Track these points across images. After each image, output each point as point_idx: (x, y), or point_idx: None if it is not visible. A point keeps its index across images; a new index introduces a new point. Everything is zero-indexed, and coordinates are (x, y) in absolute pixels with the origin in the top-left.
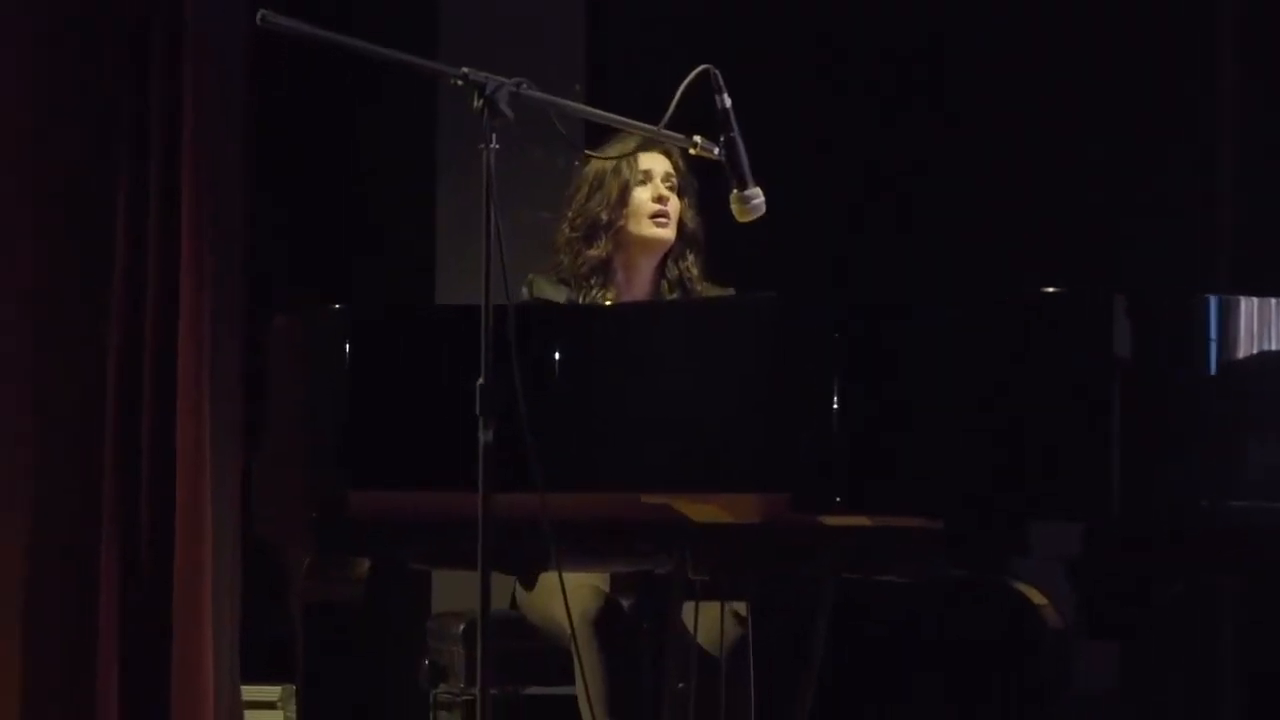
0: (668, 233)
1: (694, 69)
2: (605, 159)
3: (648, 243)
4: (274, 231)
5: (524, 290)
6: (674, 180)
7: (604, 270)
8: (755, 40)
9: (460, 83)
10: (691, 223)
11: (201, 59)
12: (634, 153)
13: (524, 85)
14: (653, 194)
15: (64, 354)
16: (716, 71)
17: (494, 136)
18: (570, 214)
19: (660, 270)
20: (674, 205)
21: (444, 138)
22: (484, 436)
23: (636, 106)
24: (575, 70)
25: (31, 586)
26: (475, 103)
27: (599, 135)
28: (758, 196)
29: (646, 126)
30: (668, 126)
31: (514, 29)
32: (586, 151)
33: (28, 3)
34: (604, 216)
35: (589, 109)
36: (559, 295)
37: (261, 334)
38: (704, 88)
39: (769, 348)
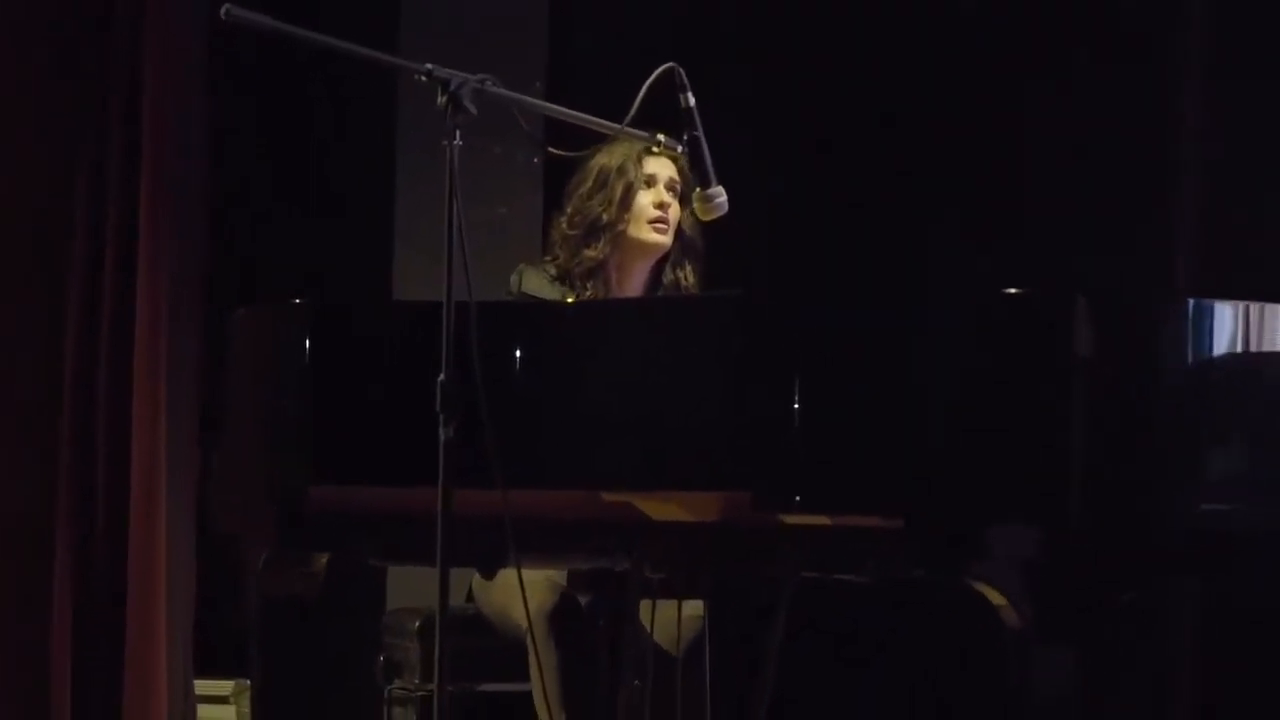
0: (665, 239)
1: (658, 67)
2: (610, 156)
3: (645, 247)
4: (233, 225)
5: (513, 279)
6: (678, 186)
7: (599, 271)
8: (718, 38)
9: (424, 79)
10: (691, 230)
11: (162, 52)
12: (641, 155)
13: (488, 82)
14: (655, 199)
15: (17, 346)
16: (681, 70)
17: (457, 133)
18: (570, 210)
19: (656, 274)
20: (674, 211)
21: (403, 134)
22: (444, 433)
23: (599, 104)
24: (537, 68)
25: None
26: (439, 99)
27: (560, 132)
28: (720, 195)
29: (610, 124)
30: (631, 124)
31: (475, 26)
32: (550, 149)
33: None
34: (604, 217)
35: (553, 106)
36: (551, 292)
37: (220, 327)
38: (668, 86)
39: (729, 346)
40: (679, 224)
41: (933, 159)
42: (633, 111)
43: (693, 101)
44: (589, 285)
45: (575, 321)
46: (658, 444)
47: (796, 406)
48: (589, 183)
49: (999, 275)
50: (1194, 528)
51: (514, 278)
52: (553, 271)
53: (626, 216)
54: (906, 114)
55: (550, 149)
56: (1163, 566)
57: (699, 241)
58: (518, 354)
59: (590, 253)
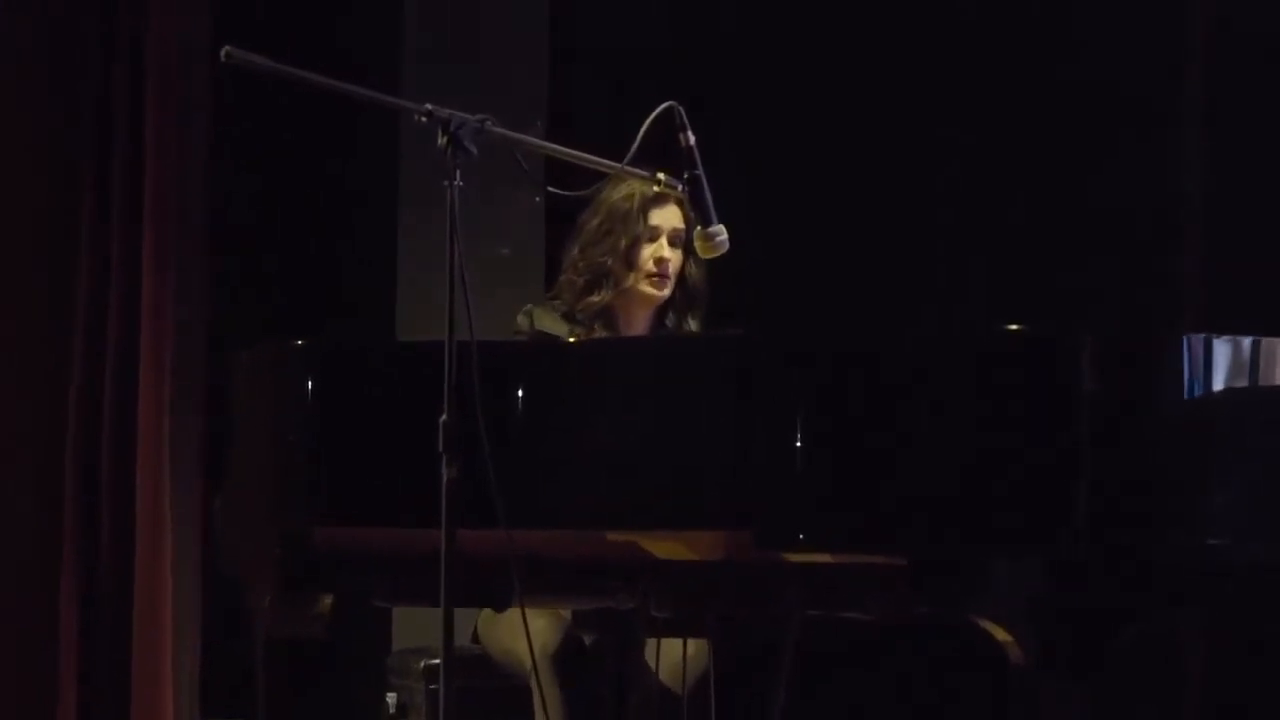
0: (664, 293)
1: (660, 103)
2: (618, 193)
3: (644, 298)
4: (237, 265)
5: (522, 320)
6: (681, 238)
7: (605, 315)
8: (718, 78)
9: (424, 119)
10: (693, 276)
11: (165, 95)
12: (646, 206)
13: (488, 122)
14: (654, 253)
15: (24, 389)
16: (680, 109)
17: (458, 173)
18: (576, 254)
19: (659, 319)
20: (675, 263)
21: (406, 173)
22: (447, 473)
23: (602, 140)
24: (538, 104)
25: None
26: (440, 139)
27: (563, 169)
28: (721, 234)
29: (611, 163)
30: (633, 162)
31: (476, 63)
32: (550, 188)
33: None
34: (609, 265)
35: (552, 146)
36: (563, 330)
37: (224, 369)
38: (668, 125)
39: (732, 385)
40: (682, 272)
41: (936, 197)
42: (633, 150)
43: (693, 140)
44: (595, 326)
45: (577, 361)
46: (661, 483)
47: (799, 445)
48: (595, 223)
49: (1002, 313)
50: (1199, 562)
51: (523, 318)
52: (561, 309)
53: (629, 271)
54: (908, 152)
55: (550, 189)
56: (1168, 601)
57: (703, 288)
58: (520, 393)
59: (594, 299)
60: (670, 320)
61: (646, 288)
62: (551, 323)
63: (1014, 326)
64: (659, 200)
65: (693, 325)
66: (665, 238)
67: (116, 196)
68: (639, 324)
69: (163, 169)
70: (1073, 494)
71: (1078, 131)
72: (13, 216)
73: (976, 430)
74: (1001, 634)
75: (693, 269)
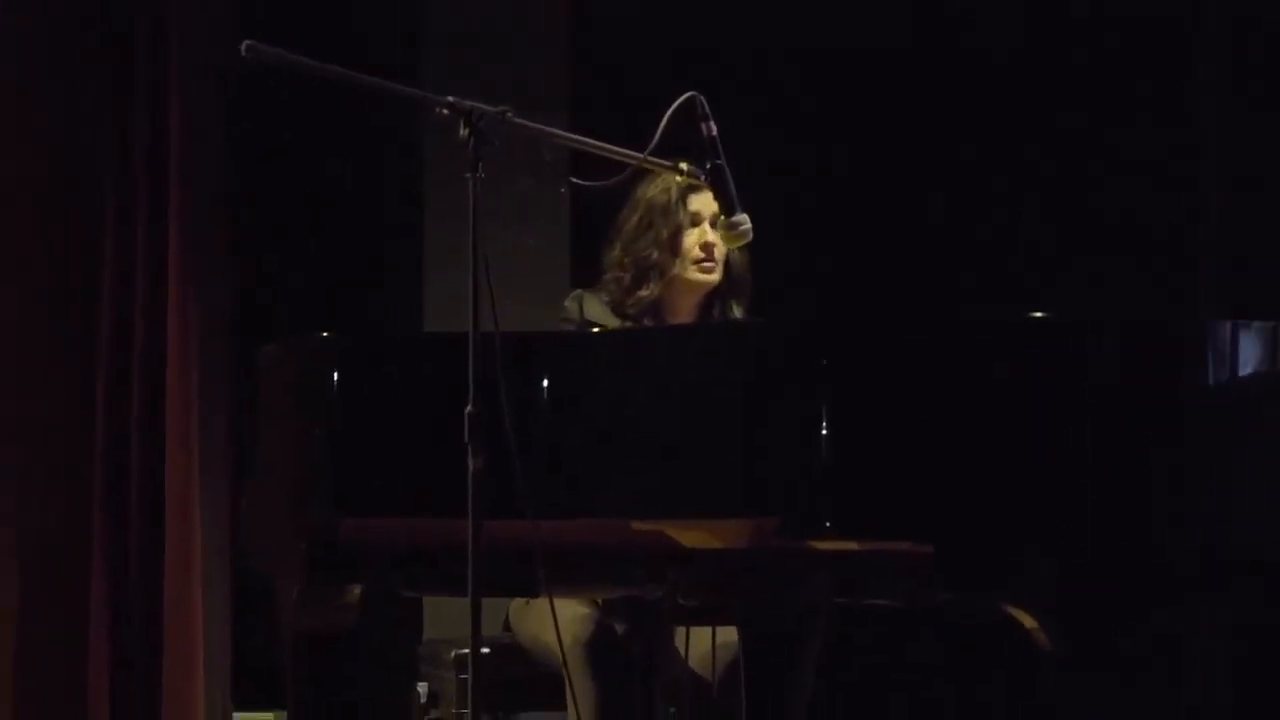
0: (714, 277)
1: (682, 93)
2: (654, 189)
3: (694, 285)
4: (262, 259)
5: (571, 306)
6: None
7: (654, 308)
8: (740, 67)
9: (446, 111)
10: (739, 264)
11: (187, 91)
12: (684, 194)
13: (508, 113)
14: (700, 239)
15: (53, 386)
16: (702, 99)
17: (480, 165)
18: (618, 251)
19: (705, 308)
20: (720, 248)
21: (431, 165)
22: (473, 464)
23: (626, 129)
24: (561, 95)
25: (21, 617)
26: (461, 131)
27: (587, 158)
28: (745, 223)
29: (633, 154)
30: (655, 153)
31: (498, 54)
32: (573, 179)
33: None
34: (654, 257)
35: (573, 136)
36: (611, 321)
37: (251, 363)
38: (690, 115)
39: (757, 373)
40: (727, 258)
41: (962, 190)
42: (655, 141)
43: (715, 130)
44: (643, 322)
45: (603, 351)
46: (687, 471)
47: (825, 433)
48: (635, 220)
49: (1025, 301)
50: (1222, 552)
51: (572, 304)
52: (607, 301)
53: (675, 259)
54: (931, 144)
55: (573, 179)
56: (1192, 590)
57: (748, 276)
58: (545, 384)
59: (643, 293)
60: (716, 308)
61: (696, 274)
62: (600, 312)
63: (1038, 314)
64: (695, 187)
65: (737, 312)
66: (707, 222)
67: (141, 194)
68: (686, 314)
69: (186, 165)
70: (1097, 481)
71: (1091, 129)
72: (38, 216)
73: (1002, 417)
74: (1029, 621)
75: (736, 255)
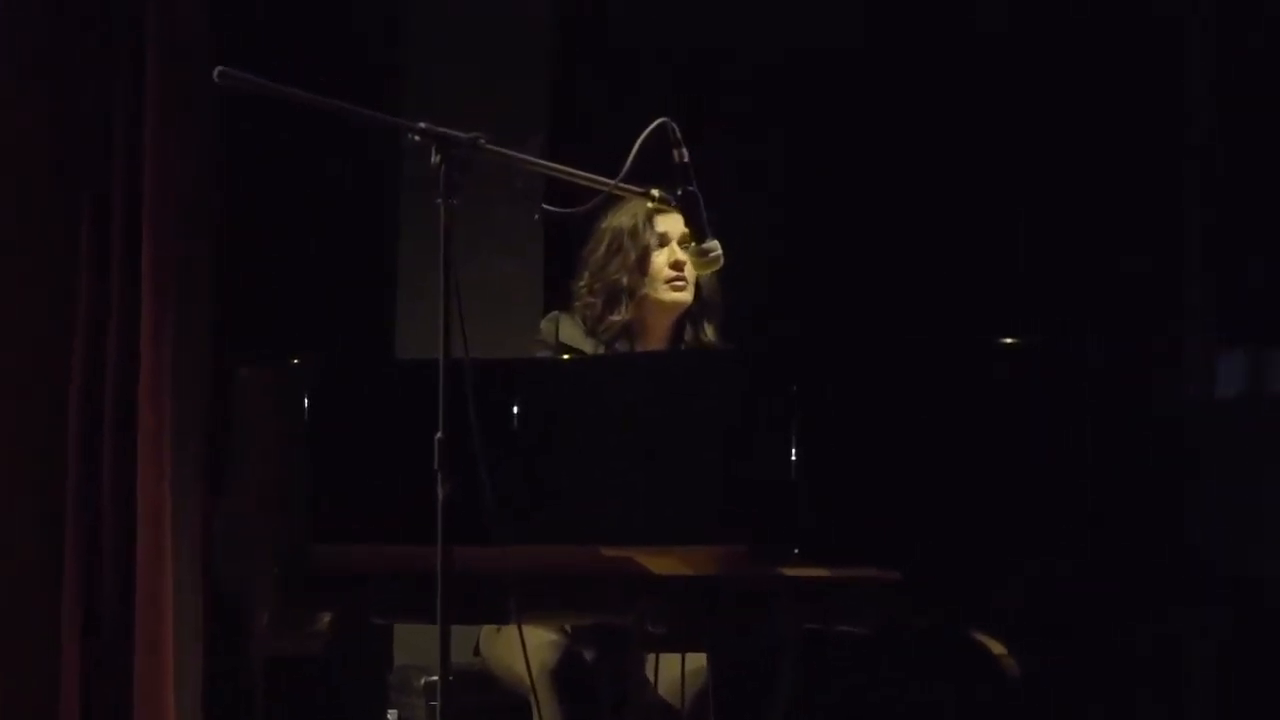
0: (686, 296)
1: (658, 117)
2: (620, 217)
3: (666, 306)
4: (237, 270)
5: (548, 328)
6: (689, 242)
7: (626, 332)
8: (717, 92)
9: (417, 138)
10: (709, 286)
11: (164, 99)
12: (651, 216)
13: (481, 140)
14: (669, 258)
15: (24, 400)
16: (673, 125)
17: (452, 191)
18: (588, 277)
19: (678, 331)
20: (690, 268)
21: (408, 188)
22: (442, 490)
23: (603, 155)
24: (538, 119)
25: None
26: (433, 158)
27: (562, 185)
28: (716, 249)
29: (604, 180)
30: (628, 179)
31: (476, 79)
32: (545, 206)
33: None
34: (624, 281)
35: (545, 163)
36: (586, 345)
37: (225, 383)
38: (661, 141)
39: (726, 400)
40: (698, 280)
41: (933, 210)
42: (626, 167)
43: (687, 156)
44: (617, 345)
45: (574, 377)
46: (657, 498)
47: (794, 459)
48: (603, 248)
49: (998, 326)
50: (1206, 569)
51: (548, 325)
52: (582, 325)
53: (645, 279)
54: (906, 161)
55: (545, 206)
56: (1169, 610)
57: (718, 297)
58: (516, 410)
59: (615, 317)
60: (687, 333)
61: (668, 294)
62: (575, 334)
63: (1009, 340)
64: (662, 209)
65: (710, 334)
66: (675, 241)
67: (117, 204)
68: (659, 337)
69: (163, 178)
70: (1068, 506)
71: (1079, 138)
72: (10, 223)
73: (973, 445)
74: (997, 647)
75: (707, 278)
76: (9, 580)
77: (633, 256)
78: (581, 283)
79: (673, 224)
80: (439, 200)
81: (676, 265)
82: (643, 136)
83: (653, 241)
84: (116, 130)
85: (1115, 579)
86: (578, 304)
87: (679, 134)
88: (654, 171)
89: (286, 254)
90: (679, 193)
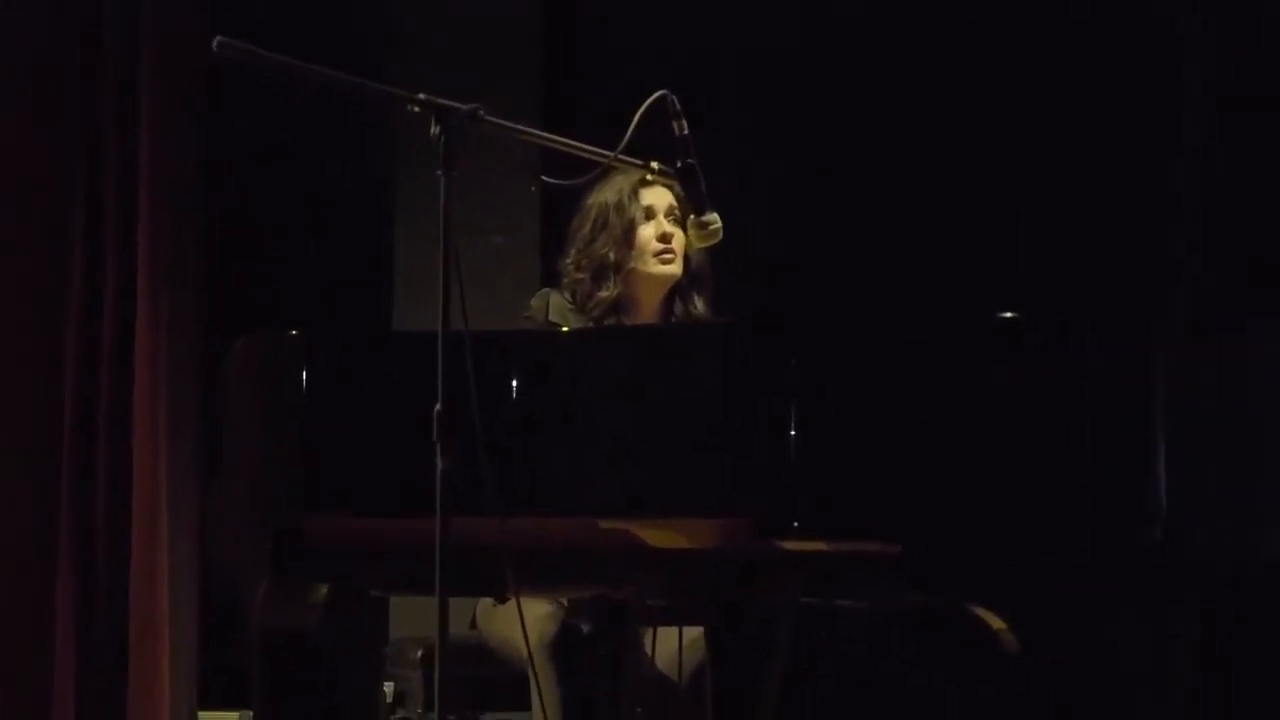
0: (674, 268)
1: (655, 92)
2: (605, 193)
3: (655, 279)
4: (232, 254)
5: (536, 304)
6: (676, 214)
7: (616, 307)
8: (713, 66)
9: (416, 109)
10: (699, 259)
11: (159, 84)
12: (636, 189)
13: (481, 111)
14: (657, 230)
15: (18, 386)
16: (673, 97)
17: (451, 163)
18: (575, 253)
19: (668, 305)
20: (679, 240)
21: (403, 162)
22: (440, 462)
23: (598, 129)
24: (534, 94)
25: None
26: (432, 129)
27: (559, 157)
28: (715, 222)
29: (603, 152)
30: (626, 152)
31: (469, 52)
32: (544, 178)
33: None
34: (611, 256)
35: (544, 135)
36: (574, 321)
37: (220, 358)
38: (661, 114)
39: (726, 373)
40: (686, 253)
41: (931, 186)
42: (625, 140)
43: (686, 129)
44: (605, 322)
45: (571, 350)
46: (655, 471)
47: (793, 433)
48: (589, 224)
49: (997, 300)
50: (1192, 555)
51: (537, 302)
52: (571, 302)
53: (632, 253)
54: (904, 140)
55: (544, 178)
56: (1165, 592)
57: (708, 269)
58: (514, 383)
59: (604, 293)
60: (677, 306)
61: (656, 266)
62: (564, 312)
63: (1008, 314)
64: (647, 182)
65: (700, 307)
66: (662, 214)
67: (109, 192)
68: (649, 311)
69: (156, 163)
70: (1067, 482)
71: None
72: (7, 217)
73: (973, 419)
74: (996, 622)
75: (697, 252)
76: (4, 561)
77: (619, 230)
78: (569, 259)
79: (658, 197)
80: (439, 172)
81: (664, 238)
82: (642, 109)
83: (639, 215)
84: (104, 117)
85: (1113, 559)
86: (566, 281)
87: (678, 106)
88: (650, 146)
89: (281, 239)
90: (678, 165)
